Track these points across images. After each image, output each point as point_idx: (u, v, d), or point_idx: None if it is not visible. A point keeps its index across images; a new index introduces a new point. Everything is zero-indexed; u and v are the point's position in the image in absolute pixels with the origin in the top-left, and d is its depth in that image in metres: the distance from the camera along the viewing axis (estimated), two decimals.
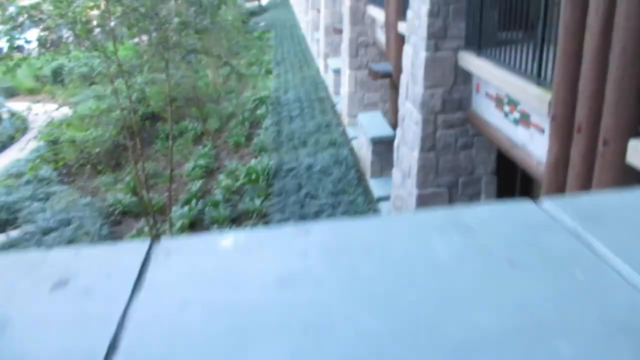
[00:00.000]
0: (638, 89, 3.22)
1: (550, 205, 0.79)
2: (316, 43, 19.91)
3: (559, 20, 3.99)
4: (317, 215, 9.25)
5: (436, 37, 6.28)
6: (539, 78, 4.58)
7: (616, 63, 3.29)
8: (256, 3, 44.51)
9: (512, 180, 7.78)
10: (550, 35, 4.42)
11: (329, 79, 16.59)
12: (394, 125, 9.09)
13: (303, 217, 9.24)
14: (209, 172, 12.96)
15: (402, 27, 8.74)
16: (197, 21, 9.48)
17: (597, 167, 3.62)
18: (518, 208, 0.87)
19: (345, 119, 13.17)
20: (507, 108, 5.50)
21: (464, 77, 6.45)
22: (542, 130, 4.74)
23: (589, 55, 3.56)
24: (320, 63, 18.93)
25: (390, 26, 9.56)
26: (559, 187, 4.23)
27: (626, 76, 3.24)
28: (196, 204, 10.91)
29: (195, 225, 10.51)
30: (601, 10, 3.38)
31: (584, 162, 3.79)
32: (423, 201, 6.99)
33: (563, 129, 4.05)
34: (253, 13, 39.97)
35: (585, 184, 3.81)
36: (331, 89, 16.06)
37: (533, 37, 4.77)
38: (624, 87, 3.27)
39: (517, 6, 4.98)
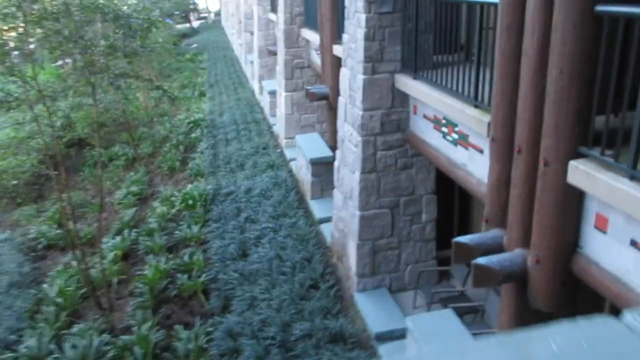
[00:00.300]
0: (576, 111, 3.31)
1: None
2: (250, 65, 19.78)
3: (494, 43, 4.09)
4: (258, 240, 9.03)
5: (373, 60, 6.34)
6: (476, 100, 4.68)
7: (553, 86, 3.38)
8: (187, 25, 43.93)
9: (451, 198, 7.94)
10: (486, 58, 4.53)
11: (264, 100, 16.48)
12: (333, 147, 9.08)
13: (243, 243, 8.98)
14: (143, 199, 12.41)
15: (337, 50, 8.80)
16: (126, 44, 9.11)
17: (538, 188, 3.69)
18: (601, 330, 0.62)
19: (282, 141, 13.06)
20: (445, 129, 5.59)
21: (402, 99, 6.53)
22: (482, 151, 4.83)
23: (527, 79, 3.66)
24: (255, 85, 18.80)
25: (325, 49, 9.61)
26: (502, 207, 4.30)
27: (564, 99, 3.33)
28: (129, 234, 10.37)
29: (128, 256, 9.97)
30: (537, 35, 3.48)
31: (525, 183, 3.87)
32: (366, 222, 6.97)
33: (503, 150, 4.13)
34: (185, 35, 39.36)
35: (528, 204, 3.88)
36: (267, 111, 15.95)
37: (469, 60, 4.88)
38: (562, 110, 3.36)
39: (452, 30, 5.10)
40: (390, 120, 6.60)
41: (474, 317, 6.49)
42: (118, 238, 10.23)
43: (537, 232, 3.77)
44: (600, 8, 3.10)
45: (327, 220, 9.13)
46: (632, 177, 3.02)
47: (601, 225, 3.42)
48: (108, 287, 8.59)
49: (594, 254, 3.53)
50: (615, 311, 3.72)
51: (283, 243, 8.62)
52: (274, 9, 15.00)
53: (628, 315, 0.51)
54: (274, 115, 14.77)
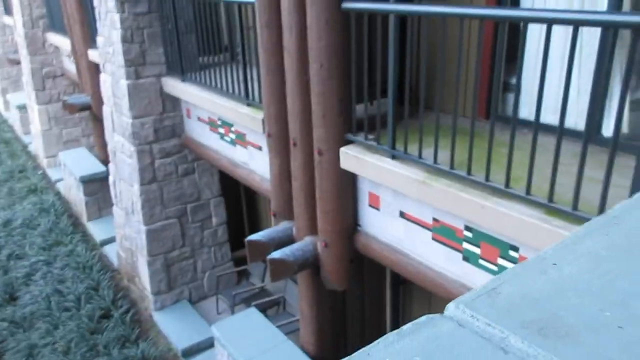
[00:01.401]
0: (340, 101, 3.54)
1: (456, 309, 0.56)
2: None
3: (257, 42, 4.14)
4: (29, 277, 7.81)
5: (135, 64, 5.92)
6: (247, 98, 4.71)
7: (316, 79, 3.56)
8: None
9: (238, 197, 7.97)
10: (251, 56, 4.58)
11: (13, 117, 14.31)
12: (105, 161, 8.32)
13: (9, 285, 7.68)
14: None
15: (93, 54, 8.04)
16: None
17: (317, 176, 3.88)
18: (432, 335, 0.52)
19: (43, 161, 11.52)
20: (222, 130, 5.53)
21: (173, 103, 6.26)
22: (260, 148, 4.90)
23: (291, 74, 3.79)
24: None
25: (79, 55, 8.70)
26: (287, 199, 4.43)
27: (326, 91, 3.53)
28: None
29: None
30: (295, 32, 3.61)
31: (304, 173, 4.03)
32: (154, 236, 6.56)
33: (280, 144, 4.24)
34: None
35: (310, 193, 4.05)
36: (18, 129, 13.90)
37: (235, 59, 4.88)
38: (327, 101, 3.56)
39: (213, 30, 5.03)
40: (163, 126, 6.28)
41: (277, 310, 6.64)
42: None
43: (322, 219, 3.97)
44: (346, 5, 3.35)
45: (111, 241, 8.38)
46: (393, 157, 3.36)
47: (374, 203, 3.75)
48: None
49: (372, 229, 3.86)
50: (396, 276, 4.12)
51: (61, 275, 7.63)
52: (8, 12, 13.05)
53: (452, 308, 0.48)
54: (28, 132, 12.94)
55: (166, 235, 6.66)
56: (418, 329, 0.50)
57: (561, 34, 3.34)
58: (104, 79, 6.67)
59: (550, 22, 2.37)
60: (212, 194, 6.91)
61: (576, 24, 2.28)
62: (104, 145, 8.30)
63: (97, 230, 8.91)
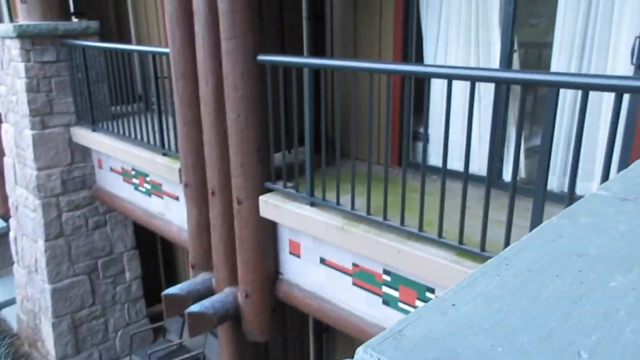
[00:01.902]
0: (257, 150, 3.58)
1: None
2: None
3: (172, 92, 4.12)
4: None
5: (41, 114, 5.65)
6: (163, 148, 4.62)
7: (233, 129, 3.58)
8: None
9: (154, 250, 7.66)
10: (167, 106, 4.54)
11: None
12: (5, 216, 7.73)
13: None
14: None
15: None
16: None
17: (236, 225, 3.84)
18: None
19: None
20: (136, 180, 5.36)
21: (83, 154, 6.00)
22: (177, 198, 4.79)
23: (208, 124, 3.78)
24: None
25: None
26: (205, 250, 4.33)
27: (244, 140, 3.56)
28: None
29: None
30: (211, 83, 3.64)
31: (223, 223, 3.98)
32: (60, 296, 6.11)
33: (198, 194, 4.17)
34: None
35: (230, 243, 3.99)
36: None
37: (150, 109, 4.80)
38: (244, 150, 3.58)
39: (127, 80, 4.94)
40: (72, 177, 5.98)
41: None
42: None
43: (242, 268, 3.91)
44: (261, 58, 3.44)
45: (11, 303, 7.69)
46: (312, 204, 3.41)
47: (295, 251, 3.76)
48: None
49: (294, 277, 3.85)
50: (318, 324, 4.11)
51: None
52: None
53: (361, 352, 0.51)
54: None
55: (74, 293, 6.22)
56: None
57: (462, 87, 3.63)
58: (6, 129, 6.28)
59: (450, 78, 2.57)
60: (126, 247, 6.59)
61: (472, 80, 2.49)
62: (4, 198, 7.73)
63: None
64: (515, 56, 3.52)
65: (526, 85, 2.35)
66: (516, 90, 3.34)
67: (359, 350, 0.49)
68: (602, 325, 0.49)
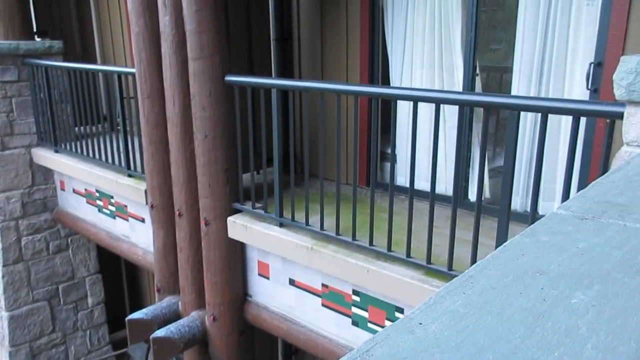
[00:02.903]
0: (225, 170, 3.55)
1: None
2: None
3: (138, 112, 4.07)
4: None
5: (1, 134, 5.50)
6: (129, 169, 4.54)
7: (201, 149, 3.55)
8: None
9: (118, 273, 7.46)
10: (132, 127, 4.47)
11: None
12: None
13: None
14: None
15: None
16: None
17: (204, 247, 3.78)
18: None
19: None
20: (100, 202, 5.24)
21: (45, 175, 5.84)
22: (143, 220, 4.70)
23: (175, 144, 3.74)
24: None
25: None
26: (172, 273, 4.24)
27: (212, 161, 3.53)
28: None
29: None
30: (178, 103, 3.61)
31: (190, 245, 3.91)
32: (18, 323, 5.87)
33: (164, 215, 4.10)
34: None
35: (197, 265, 3.93)
36: None
37: (115, 129, 4.73)
38: (212, 171, 3.55)
39: (91, 100, 4.86)
40: (33, 200, 5.81)
41: None
42: None
43: (209, 291, 3.84)
44: (229, 78, 3.44)
45: None
46: (281, 224, 3.40)
47: (264, 272, 3.72)
48: None
49: (263, 299, 3.81)
50: (287, 347, 4.07)
51: None
52: None
53: None
54: None
55: (33, 320, 5.99)
56: None
57: (427, 109, 3.71)
58: None
59: (415, 100, 2.62)
60: (89, 271, 6.40)
61: (437, 102, 2.55)
62: None
63: None
64: (478, 80, 3.62)
65: (488, 107, 2.42)
66: (479, 112, 3.43)
67: None
68: (565, 341, 0.51)
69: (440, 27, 3.69)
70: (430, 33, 3.76)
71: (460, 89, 3.61)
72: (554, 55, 3.21)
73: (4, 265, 5.69)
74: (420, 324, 0.54)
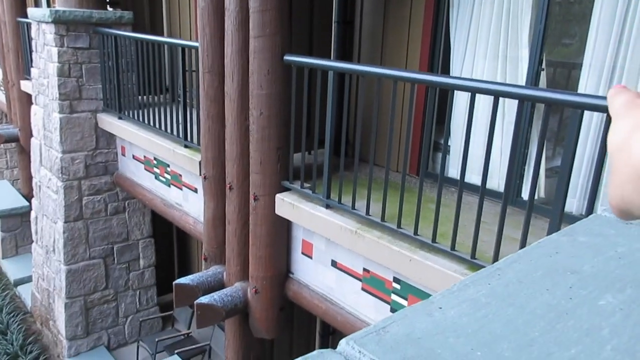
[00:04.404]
0: (277, 149, 3.61)
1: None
2: None
3: (199, 85, 4.18)
4: None
5: (70, 98, 5.79)
6: (186, 140, 4.69)
7: (255, 126, 3.62)
8: None
9: (169, 239, 7.76)
10: (192, 99, 4.61)
11: None
12: (28, 195, 7.92)
13: None
14: None
15: (26, 85, 7.78)
16: None
17: (251, 221, 3.88)
18: None
19: None
20: (157, 170, 5.45)
21: (108, 140, 6.12)
22: (196, 190, 4.85)
23: (231, 119, 3.83)
24: None
25: (10, 85, 8.39)
26: (219, 243, 4.38)
27: (265, 138, 3.60)
28: None
29: None
30: (237, 79, 3.69)
31: (239, 218, 4.02)
32: (74, 277, 6.24)
33: (216, 187, 4.22)
34: None
35: (243, 238, 4.04)
36: None
37: (176, 101, 4.88)
38: (265, 148, 3.62)
39: (156, 71, 5.03)
40: (95, 162, 6.10)
41: (202, 358, 6.40)
42: None
43: (254, 264, 3.94)
44: (288, 58, 3.47)
45: (26, 280, 7.88)
46: (328, 206, 3.43)
47: (307, 251, 3.78)
48: None
49: (304, 277, 3.88)
50: (325, 326, 4.14)
51: None
52: None
53: (343, 344, 0.52)
54: None
55: (88, 276, 6.34)
56: None
57: (486, 101, 3.62)
58: (35, 111, 6.45)
59: (474, 91, 2.56)
60: (142, 234, 6.69)
61: (496, 95, 2.48)
62: (28, 178, 7.92)
63: (11, 268, 8.35)
64: (543, 74, 3.49)
65: (550, 104, 2.34)
66: (542, 109, 3.31)
67: (342, 342, 0.51)
68: (584, 340, 0.50)
69: (509, 17, 3.57)
70: (497, 23, 3.64)
71: (523, 83, 3.49)
72: (629, 52, 3.04)
73: (65, 222, 6.03)
74: (440, 308, 0.54)
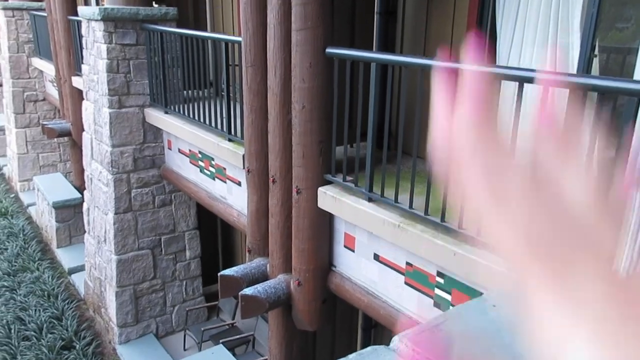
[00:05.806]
0: (319, 142, 3.61)
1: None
2: None
3: (242, 79, 4.23)
4: None
5: (119, 94, 5.96)
6: (230, 133, 4.76)
7: (298, 119, 3.63)
8: None
9: (214, 231, 7.92)
10: (235, 93, 4.66)
11: None
12: (81, 188, 8.23)
13: None
14: None
15: (77, 81, 8.06)
16: None
17: (294, 214, 3.90)
18: None
19: (17, 184, 11.32)
20: (202, 163, 5.56)
21: (155, 134, 6.28)
22: (239, 183, 4.92)
23: (274, 113, 3.86)
24: None
25: (62, 81, 8.71)
26: (263, 236, 4.43)
27: (307, 131, 3.60)
28: None
29: None
30: (279, 73, 3.71)
31: (282, 211, 4.05)
32: (124, 266, 6.45)
33: (259, 180, 4.27)
34: None
35: (286, 231, 4.07)
36: None
37: (220, 95, 4.95)
38: (307, 141, 3.63)
39: (200, 66, 5.11)
40: (143, 156, 6.28)
41: (245, 348, 6.51)
42: None
43: (296, 257, 3.97)
44: (330, 50, 3.46)
45: (80, 269, 8.20)
46: (370, 199, 3.41)
47: (350, 244, 3.78)
48: None
49: (347, 270, 3.88)
50: (367, 320, 4.12)
51: (24, 302, 7.40)
52: None
53: (396, 340, 0.52)
54: (3, 154, 12.74)
55: (137, 266, 6.55)
56: (362, 358, 0.53)
57: (536, 90, 3.50)
58: (86, 106, 6.68)
59: (521, 81, 2.49)
60: (188, 226, 6.85)
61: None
62: (80, 171, 8.23)
63: (66, 257, 8.71)
64: (596, 61, 3.35)
65: (603, 92, 2.24)
66: (593, 97, 3.18)
67: (395, 339, 0.51)
68: None
69: (559, 1, 3.44)
70: (546, 8, 3.51)
71: (574, 71, 3.36)
72: None
73: (115, 213, 6.24)
74: (494, 306, 0.53)
